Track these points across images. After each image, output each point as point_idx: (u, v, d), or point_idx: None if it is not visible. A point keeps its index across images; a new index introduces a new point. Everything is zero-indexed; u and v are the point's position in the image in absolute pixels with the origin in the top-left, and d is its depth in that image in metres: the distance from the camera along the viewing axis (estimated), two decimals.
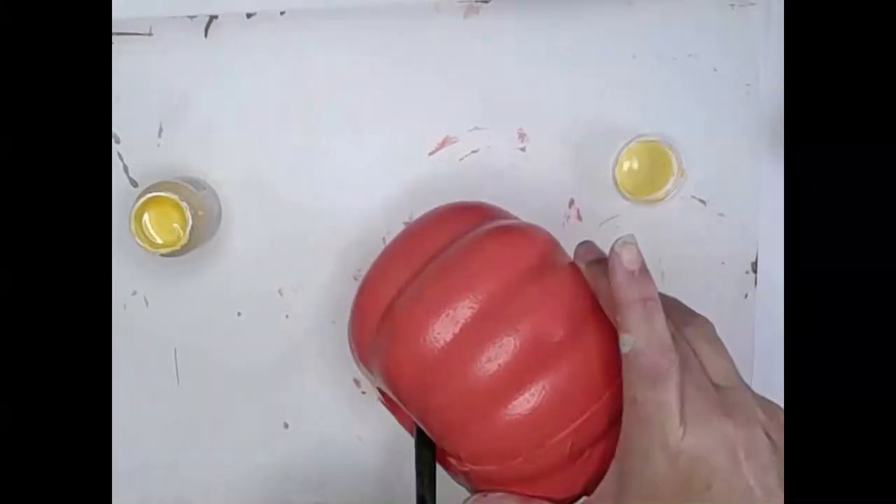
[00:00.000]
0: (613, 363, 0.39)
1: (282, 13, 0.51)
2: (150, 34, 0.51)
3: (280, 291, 0.53)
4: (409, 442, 0.51)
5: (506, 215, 0.45)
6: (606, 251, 0.40)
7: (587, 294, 0.40)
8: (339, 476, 0.55)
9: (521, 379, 0.38)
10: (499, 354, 0.38)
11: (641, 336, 0.37)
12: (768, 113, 0.52)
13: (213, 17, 0.51)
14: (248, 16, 0.51)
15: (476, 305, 0.39)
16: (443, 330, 0.39)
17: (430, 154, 0.53)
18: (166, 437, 0.54)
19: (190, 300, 0.53)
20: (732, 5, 0.52)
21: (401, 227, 0.53)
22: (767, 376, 0.50)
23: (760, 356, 0.53)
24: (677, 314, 0.41)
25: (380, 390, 0.45)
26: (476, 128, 0.52)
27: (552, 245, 0.42)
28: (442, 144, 0.53)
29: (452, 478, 0.43)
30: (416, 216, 0.53)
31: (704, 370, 0.39)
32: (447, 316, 0.39)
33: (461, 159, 0.53)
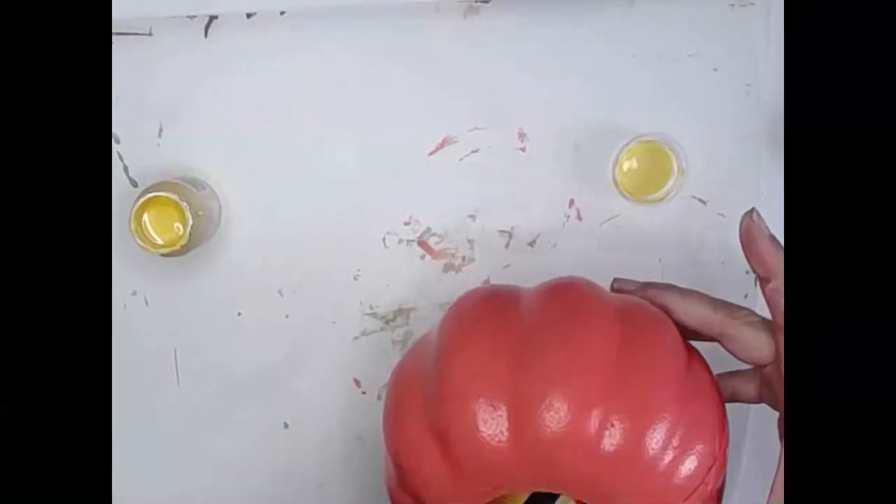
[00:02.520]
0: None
1: (282, 13, 0.51)
2: (150, 34, 0.51)
3: (280, 291, 0.53)
4: None
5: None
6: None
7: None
8: (339, 476, 0.55)
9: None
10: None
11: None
12: (768, 113, 0.52)
13: (213, 17, 0.51)
14: (248, 16, 0.51)
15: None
16: None
17: (430, 154, 0.53)
18: (166, 437, 0.54)
19: (190, 300, 0.53)
20: (732, 5, 0.52)
21: (401, 227, 0.53)
22: None
23: None
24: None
25: None
26: (476, 128, 0.52)
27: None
28: (442, 144, 0.53)
29: None
30: (415, 216, 0.53)
31: None
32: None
33: (461, 159, 0.53)
